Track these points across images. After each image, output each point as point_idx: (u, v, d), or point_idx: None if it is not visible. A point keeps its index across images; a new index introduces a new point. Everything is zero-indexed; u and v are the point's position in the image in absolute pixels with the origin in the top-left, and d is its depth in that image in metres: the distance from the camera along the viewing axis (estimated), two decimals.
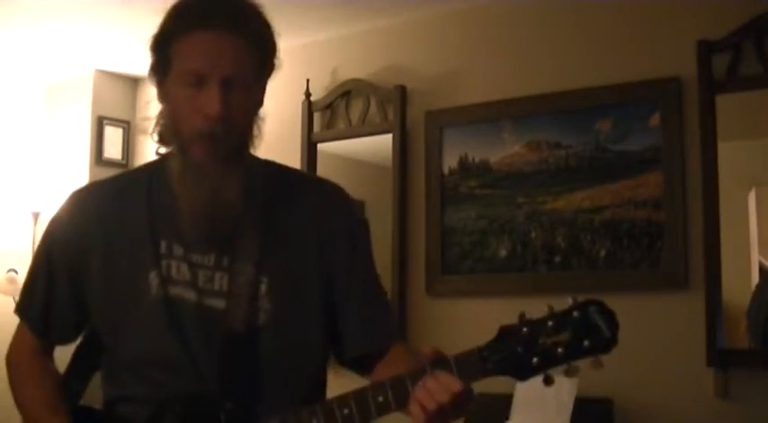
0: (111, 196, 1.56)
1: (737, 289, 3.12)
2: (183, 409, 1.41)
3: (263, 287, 1.46)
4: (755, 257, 3.15)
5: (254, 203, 1.49)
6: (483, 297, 3.57)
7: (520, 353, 1.28)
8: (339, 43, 4.11)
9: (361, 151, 4.04)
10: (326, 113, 4.10)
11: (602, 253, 3.33)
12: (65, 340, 1.62)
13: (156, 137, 1.51)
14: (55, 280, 1.55)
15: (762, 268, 3.15)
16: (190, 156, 1.43)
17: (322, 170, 4.06)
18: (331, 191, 1.62)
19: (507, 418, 3.14)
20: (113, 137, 4.77)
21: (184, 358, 1.44)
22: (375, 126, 3.96)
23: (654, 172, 3.25)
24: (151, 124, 1.51)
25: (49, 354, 1.62)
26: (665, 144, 3.23)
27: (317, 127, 4.13)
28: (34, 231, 4.54)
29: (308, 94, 4.10)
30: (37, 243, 4.80)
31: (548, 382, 1.30)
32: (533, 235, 3.49)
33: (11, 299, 4.45)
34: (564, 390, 3.08)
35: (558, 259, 3.43)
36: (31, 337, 1.60)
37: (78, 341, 1.63)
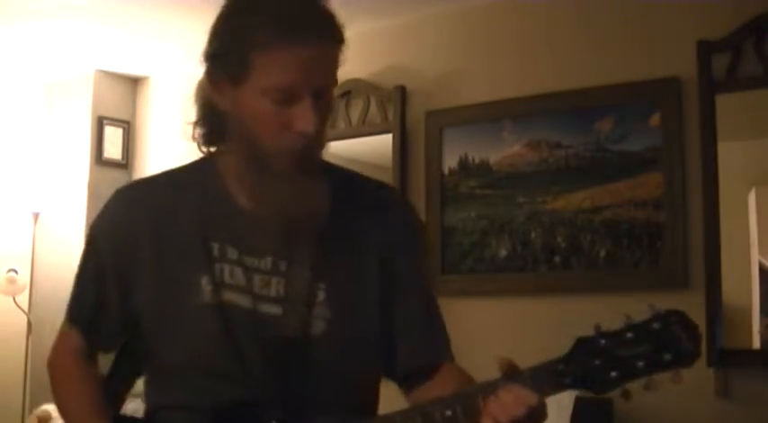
0: (160, 196, 1.48)
1: (737, 289, 3.12)
2: (233, 417, 1.35)
3: (321, 294, 1.40)
4: (755, 257, 3.15)
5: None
6: (483, 297, 3.57)
7: (598, 366, 1.23)
8: None
9: (361, 151, 4.04)
10: None
11: (602, 253, 3.33)
12: (111, 346, 1.54)
13: (200, 138, 1.45)
14: (104, 283, 1.47)
15: (762, 268, 3.14)
16: (273, 167, 1.35)
17: None
18: (394, 198, 1.57)
19: None
20: (113, 137, 4.77)
21: (236, 366, 1.37)
22: (375, 126, 3.96)
23: (654, 172, 3.25)
24: (183, 126, 1.45)
25: (93, 358, 1.54)
26: (665, 144, 3.23)
27: None
28: (34, 231, 4.55)
29: None
30: (37, 244, 4.79)
31: (626, 397, 1.25)
32: (533, 235, 3.49)
33: (11, 299, 4.46)
34: None
35: (558, 259, 3.43)
36: (76, 342, 1.52)
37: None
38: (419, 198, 3.79)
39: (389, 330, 1.46)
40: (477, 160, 3.68)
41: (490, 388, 1.25)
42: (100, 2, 3.77)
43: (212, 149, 1.46)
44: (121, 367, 1.55)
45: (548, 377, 1.24)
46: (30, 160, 4.82)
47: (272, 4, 1.32)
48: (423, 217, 3.76)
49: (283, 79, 1.30)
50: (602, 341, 1.23)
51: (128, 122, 4.85)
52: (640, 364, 1.22)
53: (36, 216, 4.56)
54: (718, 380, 3.02)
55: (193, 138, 1.46)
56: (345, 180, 1.53)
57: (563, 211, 3.43)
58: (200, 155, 1.50)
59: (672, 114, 3.23)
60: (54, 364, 1.55)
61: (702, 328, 3.29)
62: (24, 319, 4.37)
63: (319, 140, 1.37)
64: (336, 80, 1.38)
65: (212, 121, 1.43)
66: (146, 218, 1.45)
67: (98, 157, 4.70)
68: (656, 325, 1.23)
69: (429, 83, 3.85)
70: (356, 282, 1.43)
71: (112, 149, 4.76)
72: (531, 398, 1.22)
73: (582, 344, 1.24)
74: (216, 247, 1.40)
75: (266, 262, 1.40)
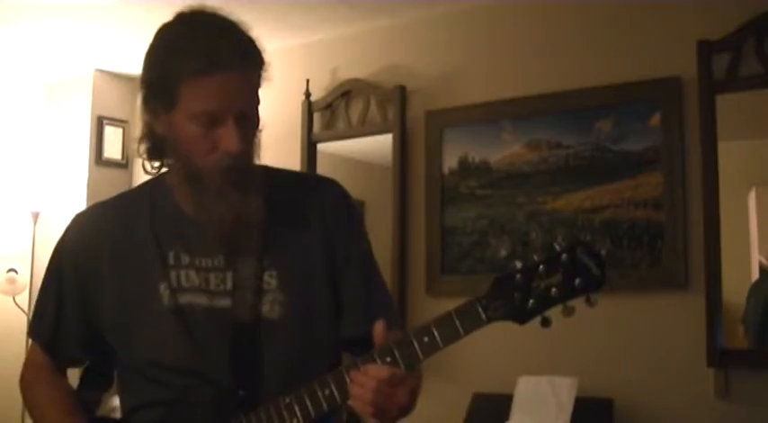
0: (117, 215, 1.61)
1: (737, 289, 3.12)
2: (199, 400, 1.48)
3: (274, 281, 1.52)
4: (755, 257, 3.15)
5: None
6: None
7: (517, 298, 1.36)
8: (339, 43, 4.11)
9: (361, 151, 4.04)
10: (326, 113, 4.10)
11: (602, 253, 3.32)
12: (76, 361, 1.66)
13: (145, 154, 1.56)
14: (65, 300, 1.59)
15: (762, 268, 3.14)
16: (207, 182, 1.48)
17: (322, 170, 4.06)
18: (329, 185, 1.67)
19: (507, 418, 3.15)
20: (113, 137, 4.78)
21: (200, 361, 1.49)
22: (375, 126, 3.96)
23: (654, 172, 3.25)
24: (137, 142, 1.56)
25: (62, 372, 1.66)
26: (665, 144, 3.23)
27: (316, 127, 4.13)
28: (34, 231, 4.54)
29: (307, 94, 4.10)
30: (37, 244, 4.80)
31: (545, 324, 1.36)
32: (533, 235, 3.49)
33: (11, 299, 4.46)
34: (564, 390, 3.08)
35: None
36: (43, 357, 1.65)
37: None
38: (419, 198, 3.80)
39: (336, 304, 1.57)
40: (477, 160, 3.68)
41: (353, 366, 1.39)
42: (100, 2, 3.77)
43: (156, 163, 1.58)
44: (89, 379, 1.66)
45: (473, 314, 1.38)
46: (29, 160, 4.83)
47: (197, 38, 1.44)
48: (423, 217, 3.77)
49: (208, 106, 1.42)
50: (518, 276, 1.36)
51: (127, 122, 4.85)
52: (554, 291, 1.34)
53: (36, 216, 4.56)
54: (718, 380, 3.02)
55: (139, 153, 1.57)
56: (283, 179, 1.64)
57: (563, 211, 3.43)
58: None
59: (672, 114, 3.23)
60: (23, 379, 1.68)
61: (702, 328, 3.30)
62: (24, 318, 4.37)
63: (247, 155, 1.49)
64: (259, 99, 1.50)
65: (154, 138, 1.54)
66: (104, 237, 1.58)
67: (98, 157, 4.70)
68: (564, 256, 1.34)
69: (429, 83, 3.85)
70: (304, 265, 1.55)
71: (112, 149, 4.76)
72: (381, 372, 1.35)
73: (500, 281, 1.38)
74: (171, 255, 1.54)
75: (219, 260, 1.53)
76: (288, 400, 1.43)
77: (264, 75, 1.50)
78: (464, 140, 3.72)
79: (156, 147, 1.55)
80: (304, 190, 1.62)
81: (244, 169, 1.48)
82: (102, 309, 1.56)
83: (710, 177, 3.09)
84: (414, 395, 1.41)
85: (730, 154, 3.12)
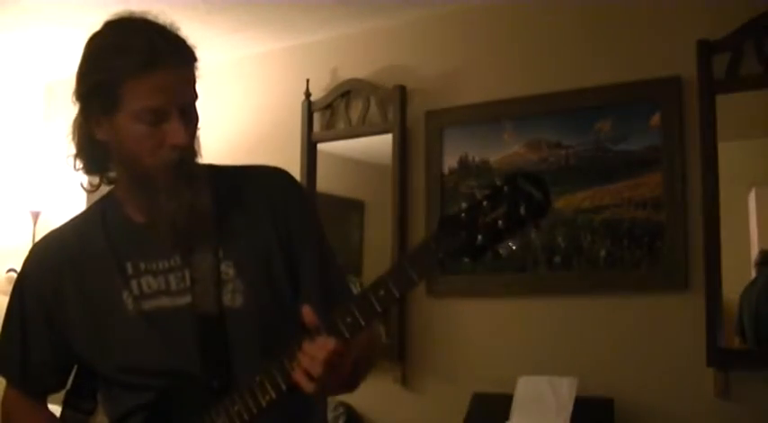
0: (72, 238, 1.64)
1: (737, 289, 3.12)
2: (176, 397, 1.51)
3: (231, 270, 1.54)
4: (755, 258, 3.15)
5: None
6: (483, 297, 3.57)
7: (464, 235, 1.34)
8: (339, 43, 4.11)
9: (361, 151, 4.04)
10: (326, 113, 4.10)
11: (602, 253, 3.33)
12: (51, 389, 1.68)
13: (82, 169, 1.59)
14: (32, 333, 1.62)
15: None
16: (158, 182, 1.50)
17: (322, 170, 4.06)
18: (273, 172, 1.69)
19: (507, 418, 3.15)
20: None
21: (172, 360, 1.52)
22: (375, 126, 3.96)
23: (654, 172, 3.26)
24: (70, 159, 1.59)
25: (41, 401, 1.69)
26: (664, 144, 3.23)
27: (316, 127, 4.12)
28: (34, 231, 4.54)
29: (307, 94, 4.10)
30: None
31: (497, 257, 1.37)
32: (533, 235, 3.49)
33: None
34: (564, 390, 3.08)
35: (557, 259, 3.42)
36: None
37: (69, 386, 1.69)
38: (419, 198, 3.79)
39: (296, 286, 1.59)
40: (477, 160, 3.68)
41: (296, 345, 1.39)
42: (101, 2, 3.76)
43: (95, 180, 1.62)
44: (74, 402, 1.68)
45: (425, 257, 1.35)
46: (29, 160, 4.82)
47: (133, 38, 1.48)
48: (423, 217, 3.76)
49: (152, 102, 1.46)
50: (463, 214, 1.35)
51: None
52: (501, 223, 1.33)
53: (36, 215, 4.56)
54: (718, 380, 3.02)
55: (75, 169, 1.60)
56: (227, 172, 1.66)
57: (563, 211, 3.43)
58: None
59: (672, 114, 3.23)
60: (3, 408, 1.70)
61: (702, 328, 3.30)
62: None
63: (192, 149, 1.53)
64: (197, 94, 1.53)
65: (91, 152, 1.57)
66: (63, 262, 1.61)
67: None
68: (506, 188, 1.33)
69: (429, 83, 3.85)
70: (259, 252, 1.56)
71: None
72: (329, 343, 1.35)
73: (445, 222, 1.36)
74: (129, 265, 1.57)
75: (175, 260, 1.55)
76: (258, 379, 1.44)
77: (197, 72, 1.53)
78: (464, 140, 3.72)
79: (96, 158, 1.57)
80: (249, 179, 1.64)
81: (191, 163, 1.52)
82: (72, 331, 1.59)
83: (710, 177, 3.09)
84: (355, 367, 1.43)
85: (730, 154, 3.12)
